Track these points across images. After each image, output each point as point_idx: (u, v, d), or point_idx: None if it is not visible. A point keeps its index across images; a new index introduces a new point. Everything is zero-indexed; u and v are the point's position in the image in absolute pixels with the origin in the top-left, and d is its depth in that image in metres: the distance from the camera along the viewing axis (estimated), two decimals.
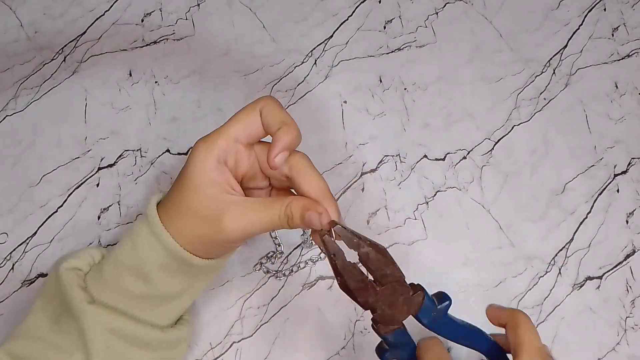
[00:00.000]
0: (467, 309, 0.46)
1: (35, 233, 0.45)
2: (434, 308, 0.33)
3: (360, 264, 0.33)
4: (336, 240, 0.32)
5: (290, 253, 0.46)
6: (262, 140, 0.35)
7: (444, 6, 0.54)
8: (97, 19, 0.51)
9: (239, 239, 0.34)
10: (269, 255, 0.45)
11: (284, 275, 0.45)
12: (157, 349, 0.36)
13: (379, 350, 0.35)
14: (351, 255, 0.33)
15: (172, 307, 0.37)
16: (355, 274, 0.32)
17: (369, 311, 0.33)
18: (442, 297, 0.34)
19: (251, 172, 0.35)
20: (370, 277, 0.33)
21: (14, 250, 0.45)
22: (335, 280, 0.33)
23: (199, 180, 0.33)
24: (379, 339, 0.37)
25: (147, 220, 0.34)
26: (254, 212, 0.32)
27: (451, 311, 0.35)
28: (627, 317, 0.46)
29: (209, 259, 0.35)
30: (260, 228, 0.33)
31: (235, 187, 0.34)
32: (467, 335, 0.36)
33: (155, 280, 0.34)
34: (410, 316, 0.34)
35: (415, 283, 0.34)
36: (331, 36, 0.52)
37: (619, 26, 0.55)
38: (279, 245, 0.45)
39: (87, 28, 0.51)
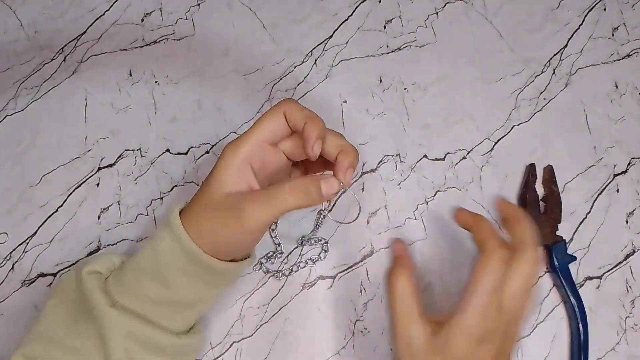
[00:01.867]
0: None
1: (35, 233, 0.45)
2: (565, 252, 0.46)
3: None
4: None
5: (290, 253, 0.46)
6: None
7: (444, 6, 0.54)
8: (97, 18, 0.51)
9: (259, 226, 0.34)
10: (268, 255, 0.45)
11: (284, 275, 0.45)
12: (170, 354, 0.37)
13: None
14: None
15: (188, 314, 0.37)
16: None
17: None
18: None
19: (278, 167, 0.37)
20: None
21: (14, 250, 0.45)
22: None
23: (223, 180, 0.35)
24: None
25: (169, 226, 0.35)
26: (268, 200, 0.34)
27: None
28: (626, 317, 0.46)
29: (228, 261, 0.36)
30: (278, 214, 0.34)
31: (256, 188, 0.36)
32: (572, 293, 0.45)
33: (176, 285, 0.35)
34: None
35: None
36: (331, 36, 0.52)
37: (619, 26, 0.55)
38: (279, 245, 0.45)
39: (87, 28, 0.51)
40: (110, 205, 0.46)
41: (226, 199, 0.34)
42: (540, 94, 0.52)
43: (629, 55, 0.54)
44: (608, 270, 0.47)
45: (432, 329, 0.34)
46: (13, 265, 0.45)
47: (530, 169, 0.48)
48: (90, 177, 0.47)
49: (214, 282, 0.37)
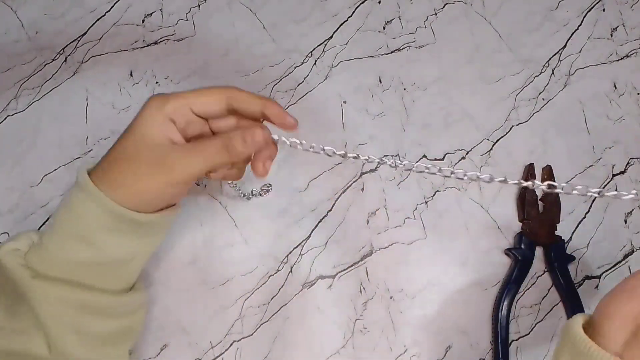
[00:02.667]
0: (466, 308, 0.46)
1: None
2: (563, 252, 0.46)
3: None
4: None
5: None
6: None
7: (444, 7, 0.54)
8: (98, 19, 0.51)
9: (183, 180, 0.34)
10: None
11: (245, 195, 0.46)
12: (112, 315, 0.36)
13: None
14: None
15: (122, 272, 0.37)
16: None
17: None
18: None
19: (199, 133, 0.37)
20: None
21: None
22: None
23: (146, 130, 0.34)
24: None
25: (82, 188, 0.34)
26: (194, 151, 0.34)
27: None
28: None
29: (153, 213, 0.36)
30: (203, 164, 0.34)
31: (180, 142, 0.36)
32: (571, 292, 0.45)
33: (102, 245, 0.34)
34: None
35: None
36: (331, 37, 0.52)
37: (617, 26, 0.55)
38: (242, 194, 0.46)
39: (88, 28, 0.51)
40: None
41: (152, 151, 0.34)
42: (539, 94, 0.52)
43: (627, 56, 0.54)
44: (607, 270, 0.47)
45: None
46: None
47: (529, 169, 0.48)
48: None
49: (141, 234, 0.36)
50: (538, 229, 0.47)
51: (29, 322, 0.33)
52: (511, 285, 0.45)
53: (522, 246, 0.46)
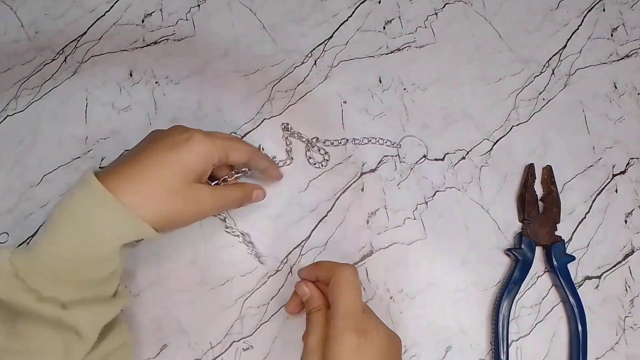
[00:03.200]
0: (466, 308, 0.46)
1: (36, 233, 0.45)
2: (564, 252, 0.46)
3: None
4: None
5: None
6: None
7: (444, 7, 0.54)
8: (97, 19, 0.51)
9: (205, 217, 0.40)
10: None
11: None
12: (112, 315, 0.36)
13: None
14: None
15: (115, 278, 0.37)
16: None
17: None
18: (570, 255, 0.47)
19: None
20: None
21: None
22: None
23: (194, 167, 0.37)
24: None
25: (104, 206, 0.33)
26: (224, 196, 0.40)
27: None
28: (625, 317, 0.46)
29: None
30: (226, 208, 0.44)
31: (204, 182, 0.40)
32: (571, 292, 0.45)
33: (115, 259, 0.35)
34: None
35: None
36: (331, 36, 0.52)
37: (618, 26, 0.55)
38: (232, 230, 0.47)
39: (88, 28, 0.51)
40: None
41: (190, 190, 0.37)
42: (540, 94, 0.52)
43: (627, 56, 0.54)
44: (607, 270, 0.47)
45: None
46: None
47: (529, 169, 0.48)
48: None
49: (133, 245, 0.39)
50: (538, 229, 0.47)
51: (38, 344, 0.33)
52: (511, 285, 0.45)
53: (522, 246, 0.46)
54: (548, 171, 0.49)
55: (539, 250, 0.47)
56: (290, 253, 0.46)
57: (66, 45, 0.50)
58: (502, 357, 0.43)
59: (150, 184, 0.35)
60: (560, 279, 0.45)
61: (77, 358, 0.33)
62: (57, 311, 0.32)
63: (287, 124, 0.49)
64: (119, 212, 0.33)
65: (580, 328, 0.44)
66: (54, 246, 0.33)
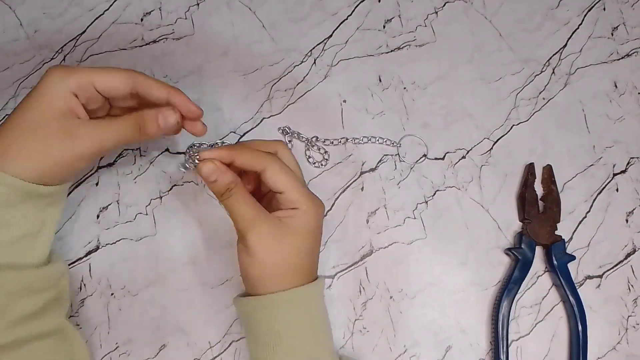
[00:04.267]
0: (466, 308, 0.46)
1: None
2: (564, 252, 0.46)
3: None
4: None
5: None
6: None
7: (444, 5, 0.54)
8: (96, 18, 0.51)
9: (93, 154, 0.35)
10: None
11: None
12: (39, 290, 0.35)
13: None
14: None
15: (34, 245, 0.36)
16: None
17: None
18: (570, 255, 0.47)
19: (99, 110, 0.38)
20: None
21: None
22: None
23: (51, 101, 0.34)
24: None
25: None
26: (107, 126, 0.35)
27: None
28: (629, 316, 0.46)
29: (56, 184, 0.36)
30: (114, 141, 0.35)
31: (83, 117, 0.36)
32: (572, 292, 0.45)
33: (9, 219, 0.34)
34: None
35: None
36: (330, 35, 0.52)
37: (618, 25, 0.55)
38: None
39: (87, 27, 0.51)
40: (109, 205, 0.46)
41: (59, 123, 0.34)
42: (540, 93, 0.52)
43: (628, 55, 0.54)
44: (608, 270, 0.47)
45: (281, 219, 0.37)
46: None
47: (530, 169, 0.48)
48: (90, 176, 0.47)
49: (45, 206, 0.36)
50: (538, 228, 0.46)
51: None
52: (511, 285, 0.45)
53: (523, 246, 0.46)
54: (548, 170, 0.48)
55: (539, 250, 0.47)
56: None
57: (65, 44, 0.50)
58: (502, 357, 0.43)
59: (13, 129, 0.34)
60: (561, 278, 0.45)
61: None
62: None
63: (286, 127, 0.48)
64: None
65: (580, 328, 0.44)
66: None
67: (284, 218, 0.37)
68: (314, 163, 0.48)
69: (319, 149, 0.48)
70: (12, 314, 0.34)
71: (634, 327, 0.46)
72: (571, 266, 0.46)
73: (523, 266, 0.45)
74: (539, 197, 0.48)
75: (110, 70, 0.36)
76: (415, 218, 0.48)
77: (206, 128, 0.40)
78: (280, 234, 0.37)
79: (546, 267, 0.47)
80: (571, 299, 0.45)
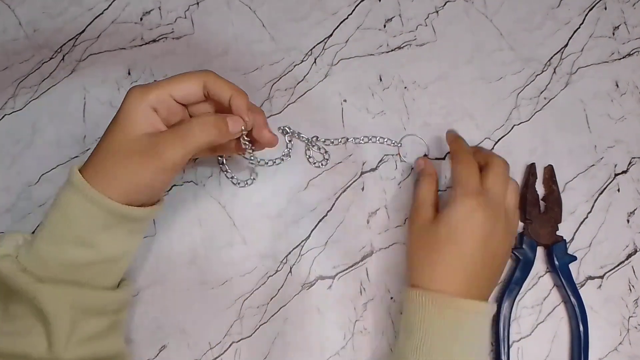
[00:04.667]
0: None
1: (34, 232, 0.45)
2: (565, 252, 0.46)
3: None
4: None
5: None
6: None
7: (444, 5, 0.54)
8: (96, 17, 0.51)
9: (177, 161, 0.35)
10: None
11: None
12: (108, 312, 0.37)
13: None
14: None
15: (114, 269, 0.37)
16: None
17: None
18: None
19: (182, 121, 0.38)
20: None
21: None
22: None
23: (132, 121, 0.35)
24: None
25: (76, 188, 0.34)
26: (184, 130, 0.35)
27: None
28: (630, 317, 0.46)
29: (142, 205, 0.36)
30: (194, 143, 0.35)
31: (163, 129, 0.36)
32: (573, 292, 0.45)
33: (99, 243, 0.35)
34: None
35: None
36: (331, 35, 0.52)
37: (619, 25, 0.54)
38: (232, 177, 0.46)
39: (86, 27, 0.51)
40: None
41: (139, 141, 0.34)
42: (541, 93, 0.52)
43: (629, 55, 0.54)
44: (610, 270, 0.47)
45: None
46: None
47: (531, 169, 0.48)
48: None
49: (132, 230, 0.37)
50: (540, 228, 0.46)
51: (29, 324, 0.34)
52: (512, 285, 0.44)
53: (524, 246, 0.46)
54: (549, 171, 0.48)
55: (540, 250, 0.46)
56: (289, 253, 0.46)
57: (64, 44, 0.50)
58: (503, 358, 0.43)
59: (101, 153, 0.35)
60: (562, 279, 0.45)
61: (57, 343, 0.33)
62: (33, 284, 0.33)
63: (286, 126, 0.48)
64: (84, 191, 0.34)
65: (581, 328, 0.44)
66: (41, 231, 0.35)
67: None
68: (314, 163, 0.48)
69: (319, 149, 0.48)
70: (82, 331, 0.35)
71: (636, 327, 0.46)
72: (572, 266, 0.46)
73: (524, 266, 0.45)
74: (540, 197, 0.48)
75: (184, 76, 0.36)
76: None
77: (276, 139, 0.40)
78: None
79: (547, 268, 0.47)
80: (572, 299, 0.44)
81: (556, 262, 0.45)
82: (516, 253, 0.45)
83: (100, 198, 0.34)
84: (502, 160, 0.42)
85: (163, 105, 0.36)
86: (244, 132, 0.38)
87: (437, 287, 0.38)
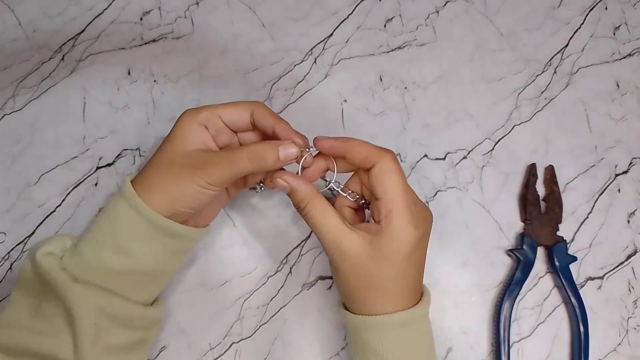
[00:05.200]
0: (467, 309, 0.45)
1: (34, 233, 0.45)
2: (565, 253, 0.46)
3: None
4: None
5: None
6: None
7: (445, 5, 0.54)
8: (95, 17, 0.51)
9: (221, 180, 0.35)
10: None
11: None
12: (136, 327, 0.37)
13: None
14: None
15: (152, 285, 0.38)
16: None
17: None
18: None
19: (229, 144, 0.40)
20: None
21: (12, 249, 0.45)
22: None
23: (184, 137, 0.36)
24: None
25: (123, 196, 0.35)
26: (234, 155, 0.35)
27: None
28: (629, 318, 0.46)
29: (186, 225, 0.37)
30: (239, 169, 0.35)
31: (214, 149, 0.38)
32: (573, 293, 0.45)
33: (137, 254, 0.35)
34: None
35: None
36: (331, 35, 0.52)
37: (620, 25, 0.54)
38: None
39: (86, 27, 0.51)
40: None
41: (189, 157, 0.36)
42: (541, 93, 0.52)
43: (630, 55, 0.53)
44: (610, 271, 0.47)
45: (366, 238, 0.35)
46: (11, 264, 0.44)
47: (531, 169, 0.48)
48: (89, 176, 0.47)
49: (174, 247, 0.37)
50: (540, 229, 0.46)
51: (59, 324, 0.34)
52: (513, 286, 0.44)
53: (524, 247, 0.45)
54: (550, 171, 0.48)
55: (540, 251, 0.46)
56: (290, 253, 0.46)
57: (64, 44, 0.50)
58: (503, 359, 0.43)
59: (153, 165, 0.36)
60: (562, 279, 0.45)
61: (83, 346, 0.33)
62: (67, 282, 0.34)
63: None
64: (130, 199, 0.35)
65: (582, 329, 0.44)
66: (87, 234, 0.36)
67: (371, 234, 0.35)
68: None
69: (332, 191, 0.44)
70: (108, 339, 0.35)
71: (635, 328, 0.46)
72: (572, 267, 0.46)
73: (524, 267, 0.45)
74: (541, 197, 0.48)
75: (234, 102, 0.38)
76: None
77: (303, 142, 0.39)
78: (367, 255, 0.35)
79: (547, 268, 0.47)
80: (573, 300, 0.44)
81: (557, 263, 0.45)
82: (517, 253, 0.45)
83: (144, 207, 0.35)
84: (388, 152, 0.37)
85: (212, 124, 0.37)
86: (304, 155, 0.38)
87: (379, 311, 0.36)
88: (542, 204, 0.48)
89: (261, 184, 0.42)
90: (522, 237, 0.46)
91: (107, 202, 0.37)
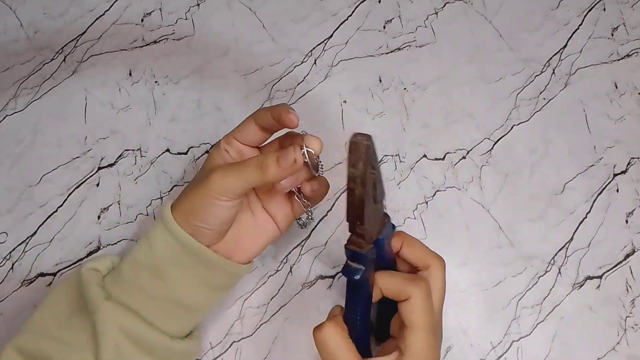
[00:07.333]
0: (467, 309, 0.46)
1: (35, 233, 0.45)
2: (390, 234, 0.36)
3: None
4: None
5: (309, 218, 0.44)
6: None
7: (444, 6, 0.54)
8: (97, 18, 0.51)
9: (224, 192, 0.34)
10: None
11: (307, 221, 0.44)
12: (161, 356, 0.36)
13: (350, 270, 0.34)
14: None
15: (185, 318, 0.38)
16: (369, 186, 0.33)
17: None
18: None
19: None
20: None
21: (14, 249, 0.45)
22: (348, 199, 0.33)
23: (208, 160, 0.39)
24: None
25: (162, 218, 0.36)
26: (235, 166, 0.35)
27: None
28: (627, 317, 0.46)
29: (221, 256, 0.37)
30: (241, 179, 0.34)
31: None
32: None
33: (171, 279, 0.36)
34: None
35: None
36: (331, 36, 0.52)
37: (618, 26, 0.55)
38: (310, 213, 0.42)
39: (87, 28, 0.51)
40: (110, 205, 0.46)
41: (204, 172, 0.38)
42: (540, 93, 0.52)
43: (628, 55, 0.54)
44: (608, 270, 0.47)
45: None
46: (13, 265, 0.45)
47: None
48: (90, 176, 0.47)
49: (209, 280, 0.37)
50: (373, 227, 0.34)
51: (84, 339, 0.34)
52: (352, 307, 0.35)
53: (351, 263, 0.34)
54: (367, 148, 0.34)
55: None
56: (290, 253, 0.46)
57: (65, 45, 0.50)
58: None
59: (184, 191, 0.38)
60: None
61: None
62: (100, 299, 0.34)
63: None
64: (165, 221, 0.36)
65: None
66: (128, 254, 0.37)
67: None
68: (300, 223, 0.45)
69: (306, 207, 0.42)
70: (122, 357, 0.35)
71: (632, 327, 0.46)
72: (572, 267, 0.46)
73: (356, 286, 0.34)
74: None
75: (243, 120, 0.40)
76: (415, 218, 0.47)
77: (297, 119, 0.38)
78: None
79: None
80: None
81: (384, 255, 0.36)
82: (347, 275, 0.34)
83: (177, 230, 0.35)
84: (439, 260, 0.37)
85: (231, 148, 0.39)
86: (305, 159, 0.36)
87: None
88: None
89: (309, 213, 0.41)
90: (362, 254, 0.34)
91: (150, 226, 0.38)
